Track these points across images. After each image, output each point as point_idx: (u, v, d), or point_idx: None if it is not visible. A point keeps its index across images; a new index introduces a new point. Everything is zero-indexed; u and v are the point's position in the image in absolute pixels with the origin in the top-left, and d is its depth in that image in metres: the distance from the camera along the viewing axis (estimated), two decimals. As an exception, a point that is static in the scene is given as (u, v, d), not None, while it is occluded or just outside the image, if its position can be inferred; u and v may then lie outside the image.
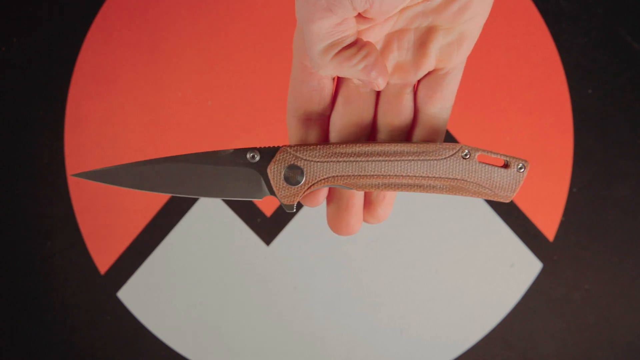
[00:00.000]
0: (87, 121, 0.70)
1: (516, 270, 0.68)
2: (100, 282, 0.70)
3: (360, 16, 0.28)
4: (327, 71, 0.28)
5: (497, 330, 0.68)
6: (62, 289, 0.70)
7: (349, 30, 0.27)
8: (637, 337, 0.68)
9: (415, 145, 0.30)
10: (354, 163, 0.30)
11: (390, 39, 0.31)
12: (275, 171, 0.31)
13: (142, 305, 0.70)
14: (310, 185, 0.31)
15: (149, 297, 0.69)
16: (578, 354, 0.68)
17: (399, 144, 0.30)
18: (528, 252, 0.68)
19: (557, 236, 0.68)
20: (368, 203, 0.33)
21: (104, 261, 0.70)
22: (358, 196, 0.33)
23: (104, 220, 0.69)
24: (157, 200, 0.70)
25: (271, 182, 0.31)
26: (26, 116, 0.70)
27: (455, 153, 0.30)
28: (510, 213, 0.68)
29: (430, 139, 0.32)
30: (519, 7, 0.68)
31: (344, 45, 0.28)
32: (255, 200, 0.32)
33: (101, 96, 0.70)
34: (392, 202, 0.33)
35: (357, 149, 0.30)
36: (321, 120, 0.32)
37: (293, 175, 0.31)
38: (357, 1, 0.26)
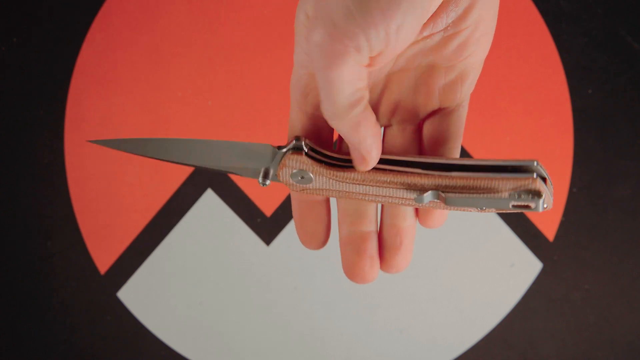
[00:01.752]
0: (87, 121, 0.70)
1: (516, 270, 0.68)
2: (100, 282, 0.70)
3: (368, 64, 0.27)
4: (343, 126, 0.27)
5: (497, 331, 0.68)
6: (62, 289, 0.70)
7: (365, 81, 0.26)
8: (637, 337, 0.68)
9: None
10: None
11: (390, 79, 0.30)
12: (284, 173, 0.30)
13: (142, 305, 0.70)
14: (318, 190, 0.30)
15: (149, 297, 0.69)
16: (578, 354, 0.68)
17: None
18: (528, 252, 0.68)
19: (557, 236, 0.68)
20: (383, 251, 0.32)
21: (104, 261, 0.70)
22: (372, 241, 0.31)
23: (104, 220, 0.69)
24: (157, 200, 0.70)
25: (279, 177, 0.30)
26: (26, 116, 0.70)
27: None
28: (510, 213, 0.68)
29: None
30: (519, 7, 0.68)
31: (367, 101, 0.27)
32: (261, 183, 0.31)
33: (101, 96, 0.70)
34: (410, 248, 0.32)
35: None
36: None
37: (303, 176, 0.30)
38: (374, 42, 0.25)
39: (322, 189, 0.30)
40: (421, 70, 0.30)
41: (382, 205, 0.31)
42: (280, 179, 0.30)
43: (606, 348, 0.68)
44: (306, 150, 0.29)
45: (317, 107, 0.30)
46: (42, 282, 0.70)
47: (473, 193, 0.27)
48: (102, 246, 0.70)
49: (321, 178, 0.29)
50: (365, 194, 0.29)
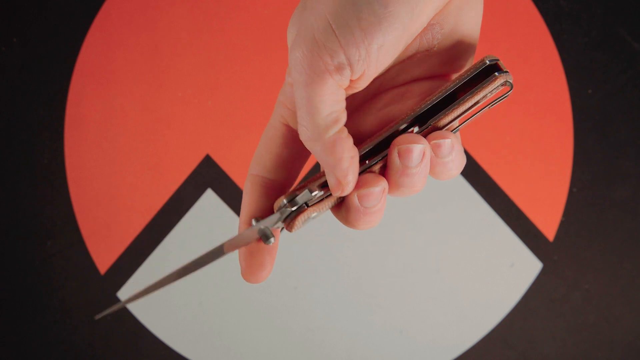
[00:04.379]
0: (87, 121, 0.70)
1: (516, 270, 0.68)
2: (100, 282, 0.70)
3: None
4: (319, 148, 0.26)
5: (497, 330, 0.68)
6: (62, 289, 0.70)
7: (343, 103, 0.26)
8: (637, 337, 0.68)
9: None
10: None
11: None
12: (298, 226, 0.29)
13: (142, 305, 0.70)
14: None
15: (149, 297, 0.69)
16: (578, 354, 0.68)
17: None
18: (528, 252, 0.68)
19: (557, 236, 0.68)
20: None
21: (104, 261, 0.70)
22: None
23: (104, 220, 0.69)
24: (157, 200, 0.70)
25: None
26: (26, 116, 0.70)
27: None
28: (510, 213, 0.68)
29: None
30: (519, 7, 0.68)
31: (343, 123, 0.26)
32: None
33: (101, 96, 0.70)
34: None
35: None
36: (280, 187, 0.30)
37: (313, 217, 0.29)
38: (354, 62, 0.24)
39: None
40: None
41: None
42: (294, 229, 0.29)
43: (606, 348, 0.68)
44: (307, 204, 0.28)
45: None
46: (42, 282, 0.70)
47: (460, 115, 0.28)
48: (102, 246, 0.70)
49: (325, 206, 0.29)
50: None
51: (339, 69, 0.24)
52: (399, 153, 0.26)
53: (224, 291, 0.69)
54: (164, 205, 0.69)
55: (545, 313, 0.68)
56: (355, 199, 0.27)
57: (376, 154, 0.28)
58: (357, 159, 0.27)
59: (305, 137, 0.26)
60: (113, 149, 0.70)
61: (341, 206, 0.28)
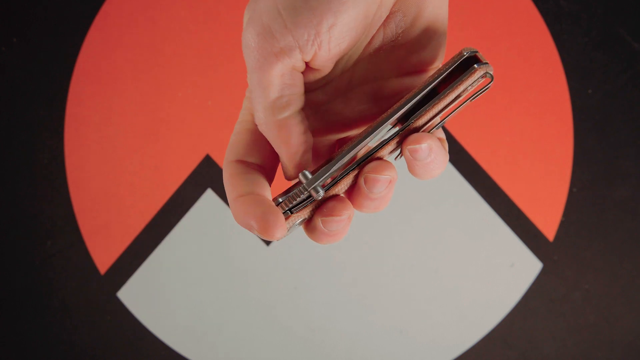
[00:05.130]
0: (87, 121, 0.70)
1: (516, 270, 0.68)
2: (100, 282, 0.70)
3: (307, 70, 0.26)
4: (269, 131, 0.26)
5: (497, 330, 0.68)
6: (62, 289, 0.70)
7: (298, 87, 0.26)
8: (637, 337, 0.68)
9: None
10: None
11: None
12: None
13: (142, 305, 0.70)
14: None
15: (149, 297, 0.69)
16: (578, 354, 0.68)
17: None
18: (528, 252, 0.68)
19: (557, 236, 0.68)
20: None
21: (104, 261, 0.70)
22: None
23: (104, 220, 0.69)
24: (157, 200, 0.70)
25: None
26: (26, 116, 0.70)
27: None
28: (510, 213, 0.68)
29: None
30: (519, 7, 0.68)
31: (296, 108, 0.26)
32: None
33: (101, 96, 0.70)
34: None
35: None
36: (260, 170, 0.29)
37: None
38: (303, 43, 0.24)
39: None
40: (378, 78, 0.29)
41: None
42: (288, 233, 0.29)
43: (606, 348, 0.68)
44: (292, 211, 0.27)
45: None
46: (42, 282, 0.70)
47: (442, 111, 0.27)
48: (102, 246, 0.70)
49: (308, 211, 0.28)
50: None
51: (287, 51, 0.24)
52: (365, 181, 0.27)
53: (224, 291, 0.69)
54: (164, 205, 0.69)
55: (545, 313, 0.68)
56: (319, 223, 0.27)
57: (351, 162, 0.27)
58: (306, 144, 0.26)
59: (258, 121, 0.26)
60: (113, 149, 0.70)
61: (309, 223, 0.27)
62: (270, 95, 0.25)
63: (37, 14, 0.70)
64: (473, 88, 0.27)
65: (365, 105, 0.29)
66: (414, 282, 0.69)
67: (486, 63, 0.27)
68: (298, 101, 0.26)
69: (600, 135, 0.68)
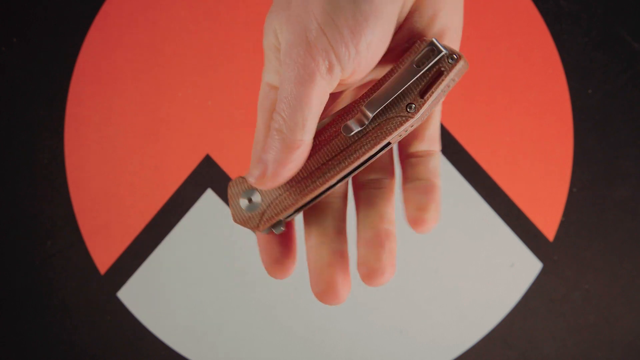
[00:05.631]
0: (87, 121, 0.70)
1: (516, 270, 0.68)
2: (100, 282, 0.70)
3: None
4: (281, 139, 0.26)
5: (497, 330, 0.68)
6: (62, 289, 0.70)
7: (323, 106, 0.26)
8: (637, 337, 0.68)
9: None
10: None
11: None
12: (235, 207, 0.28)
13: (142, 305, 0.70)
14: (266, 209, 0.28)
15: (149, 297, 0.69)
16: (578, 354, 0.68)
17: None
18: (528, 252, 0.68)
19: (557, 236, 0.68)
20: (363, 256, 0.30)
21: (104, 261, 0.70)
22: (341, 255, 0.30)
23: (104, 220, 0.69)
24: (157, 200, 0.70)
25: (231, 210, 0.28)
26: (26, 116, 0.70)
27: None
28: (510, 213, 0.68)
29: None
30: (519, 7, 0.68)
31: (314, 131, 0.26)
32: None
33: (101, 96, 0.70)
34: (394, 252, 0.30)
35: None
36: None
37: (250, 198, 0.28)
38: (344, 61, 0.24)
39: (277, 207, 0.28)
40: None
41: (357, 214, 0.31)
42: (235, 218, 0.28)
43: (606, 348, 0.68)
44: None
45: None
46: (42, 282, 0.70)
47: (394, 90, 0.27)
48: (102, 246, 0.70)
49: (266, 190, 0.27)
50: (318, 176, 0.27)
51: (330, 69, 0.25)
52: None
53: (224, 291, 0.69)
54: (164, 205, 0.69)
55: (545, 313, 0.68)
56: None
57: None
58: (294, 172, 0.27)
59: (277, 125, 0.26)
60: (113, 149, 0.70)
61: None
62: (304, 110, 0.25)
63: (37, 14, 0.70)
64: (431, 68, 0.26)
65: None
66: (414, 282, 0.69)
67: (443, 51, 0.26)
68: (316, 123, 0.26)
69: (600, 135, 0.68)
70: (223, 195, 0.69)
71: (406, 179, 0.29)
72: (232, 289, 0.69)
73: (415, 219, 0.27)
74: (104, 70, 0.69)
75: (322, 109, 0.26)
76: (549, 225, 0.68)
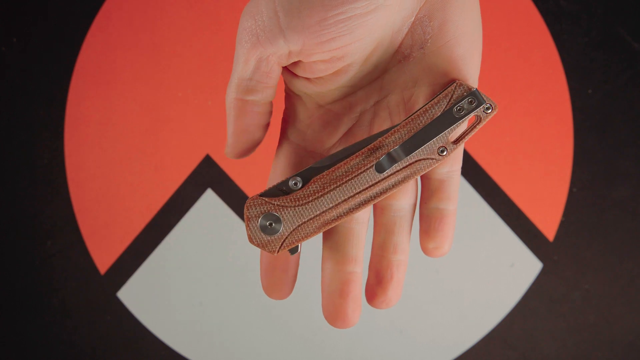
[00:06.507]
0: (87, 121, 0.70)
1: (516, 270, 0.68)
2: (100, 282, 0.70)
3: (290, 72, 0.26)
4: (229, 106, 0.27)
5: (497, 331, 0.68)
6: (62, 289, 0.70)
7: (272, 80, 0.26)
8: (637, 337, 0.68)
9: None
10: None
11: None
12: (253, 229, 0.28)
13: (142, 305, 0.70)
14: (290, 233, 0.28)
15: (149, 297, 0.69)
16: (578, 354, 0.68)
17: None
18: (528, 252, 0.68)
19: (557, 236, 0.68)
20: (372, 286, 0.30)
21: (104, 261, 0.70)
22: (356, 283, 0.30)
23: (104, 220, 0.69)
24: (157, 200, 0.70)
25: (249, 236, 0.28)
26: (26, 116, 0.70)
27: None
28: (510, 213, 0.68)
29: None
30: (519, 7, 0.68)
31: (262, 98, 0.26)
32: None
33: (101, 96, 0.70)
34: (401, 282, 0.30)
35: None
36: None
37: (271, 223, 0.28)
38: (290, 36, 0.25)
39: (300, 234, 0.28)
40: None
41: (373, 239, 0.31)
42: (253, 240, 0.28)
43: (606, 348, 0.68)
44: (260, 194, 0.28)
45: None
46: (42, 282, 0.70)
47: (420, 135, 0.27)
48: (102, 246, 0.70)
49: (288, 212, 0.27)
50: (337, 208, 0.27)
51: (272, 37, 0.25)
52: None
53: (224, 291, 0.69)
54: (164, 205, 0.69)
55: (545, 313, 0.68)
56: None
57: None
58: (254, 140, 0.27)
59: (227, 91, 0.27)
60: (113, 149, 0.70)
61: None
62: (240, 72, 0.26)
63: (37, 14, 0.70)
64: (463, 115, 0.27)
65: (395, 113, 0.29)
66: (413, 282, 0.69)
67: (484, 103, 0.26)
68: (266, 92, 0.27)
69: (600, 135, 0.68)
70: (223, 195, 0.69)
71: (424, 201, 0.29)
72: (232, 289, 0.69)
73: (428, 251, 0.28)
74: (104, 70, 0.69)
75: (267, 81, 0.26)
76: (549, 225, 0.68)
